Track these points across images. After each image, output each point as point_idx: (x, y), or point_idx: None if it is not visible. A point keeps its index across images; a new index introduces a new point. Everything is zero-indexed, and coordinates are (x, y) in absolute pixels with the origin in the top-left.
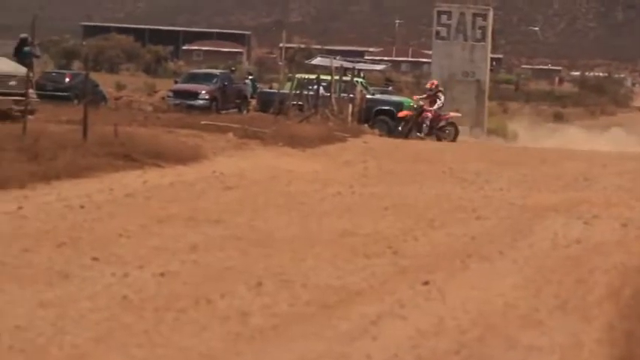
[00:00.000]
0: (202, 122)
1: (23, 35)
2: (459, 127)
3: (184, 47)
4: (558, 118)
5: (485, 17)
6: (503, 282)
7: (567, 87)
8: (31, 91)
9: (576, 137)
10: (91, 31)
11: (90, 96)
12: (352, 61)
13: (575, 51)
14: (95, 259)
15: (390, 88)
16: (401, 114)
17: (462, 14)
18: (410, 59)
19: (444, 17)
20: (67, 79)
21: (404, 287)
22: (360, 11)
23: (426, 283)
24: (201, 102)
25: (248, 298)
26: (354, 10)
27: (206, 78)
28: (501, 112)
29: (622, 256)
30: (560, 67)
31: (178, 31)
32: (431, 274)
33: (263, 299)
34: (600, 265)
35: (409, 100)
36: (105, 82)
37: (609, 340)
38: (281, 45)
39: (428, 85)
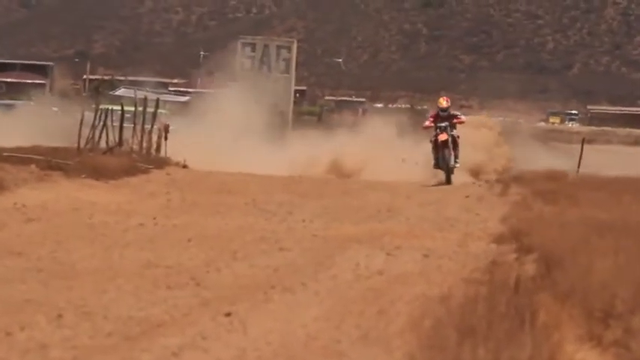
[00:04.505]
0: (4, 154)
1: None
2: None
3: None
4: None
5: (289, 49)
6: (305, 313)
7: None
8: None
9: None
10: None
11: None
12: (157, 93)
13: (379, 82)
14: None
15: None
16: None
17: (267, 46)
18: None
19: (247, 49)
20: None
21: (206, 319)
22: (163, 42)
23: (229, 314)
24: None
25: (48, 330)
26: (157, 41)
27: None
28: None
29: (423, 286)
30: (363, 99)
31: None
32: (233, 305)
33: (63, 331)
34: (402, 296)
35: None
36: None
37: None
38: (85, 76)
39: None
